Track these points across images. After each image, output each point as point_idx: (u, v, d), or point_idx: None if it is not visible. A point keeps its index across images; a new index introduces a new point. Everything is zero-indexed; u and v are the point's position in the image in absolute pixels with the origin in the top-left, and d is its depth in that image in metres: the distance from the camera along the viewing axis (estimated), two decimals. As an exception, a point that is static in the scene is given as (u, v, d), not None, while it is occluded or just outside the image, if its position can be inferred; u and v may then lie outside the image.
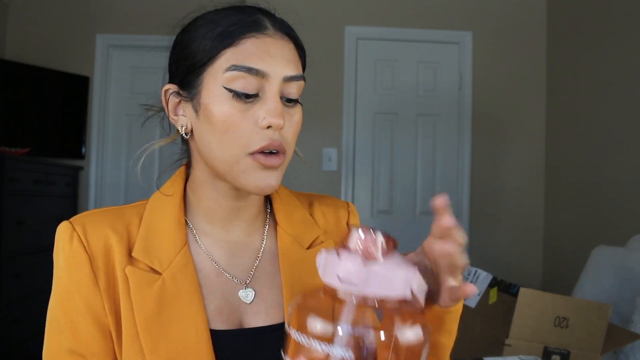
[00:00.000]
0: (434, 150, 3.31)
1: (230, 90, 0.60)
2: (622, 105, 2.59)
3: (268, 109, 0.60)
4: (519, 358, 1.16)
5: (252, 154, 0.61)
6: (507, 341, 1.55)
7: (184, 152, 0.73)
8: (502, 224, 3.31)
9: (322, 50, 3.21)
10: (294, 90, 0.64)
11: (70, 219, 0.66)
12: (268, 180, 0.63)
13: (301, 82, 0.64)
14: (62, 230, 0.64)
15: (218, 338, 0.63)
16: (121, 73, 3.52)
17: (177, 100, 0.67)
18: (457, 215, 3.24)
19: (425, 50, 3.33)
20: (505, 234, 3.30)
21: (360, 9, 3.30)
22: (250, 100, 0.61)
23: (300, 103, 0.66)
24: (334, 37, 3.25)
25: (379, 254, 0.45)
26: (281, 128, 0.61)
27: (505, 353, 1.54)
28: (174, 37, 0.68)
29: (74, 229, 0.64)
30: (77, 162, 3.39)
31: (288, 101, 0.64)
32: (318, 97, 3.14)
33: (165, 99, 0.68)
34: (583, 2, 2.99)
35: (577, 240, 2.93)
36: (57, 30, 3.46)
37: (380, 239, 0.45)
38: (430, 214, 0.48)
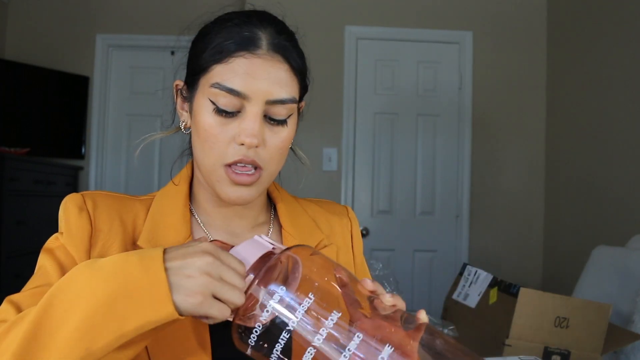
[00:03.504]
0: (434, 150, 3.31)
1: (214, 104, 0.64)
2: (622, 105, 2.59)
3: (244, 128, 0.63)
4: (519, 358, 1.16)
5: (226, 165, 0.64)
6: (507, 341, 1.55)
7: (189, 148, 0.76)
8: (502, 224, 3.30)
9: (322, 50, 3.21)
10: (281, 111, 0.65)
11: (82, 192, 0.69)
12: (239, 193, 0.66)
13: (290, 105, 0.65)
14: (73, 200, 0.67)
15: (216, 327, 0.64)
16: (121, 73, 3.51)
17: (184, 97, 0.71)
18: (457, 215, 3.26)
19: (425, 50, 3.32)
20: (505, 234, 3.30)
21: (360, 9, 3.29)
22: (230, 116, 0.64)
23: (286, 123, 0.66)
24: (334, 37, 3.25)
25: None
26: (255, 146, 0.63)
27: (505, 353, 1.54)
28: (183, 37, 0.72)
29: (85, 202, 0.67)
30: (77, 162, 3.39)
31: (272, 120, 0.65)
32: (318, 97, 3.12)
33: (176, 93, 0.73)
34: (583, 2, 2.99)
35: (577, 240, 2.93)
36: (57, 30, 3.45)
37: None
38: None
